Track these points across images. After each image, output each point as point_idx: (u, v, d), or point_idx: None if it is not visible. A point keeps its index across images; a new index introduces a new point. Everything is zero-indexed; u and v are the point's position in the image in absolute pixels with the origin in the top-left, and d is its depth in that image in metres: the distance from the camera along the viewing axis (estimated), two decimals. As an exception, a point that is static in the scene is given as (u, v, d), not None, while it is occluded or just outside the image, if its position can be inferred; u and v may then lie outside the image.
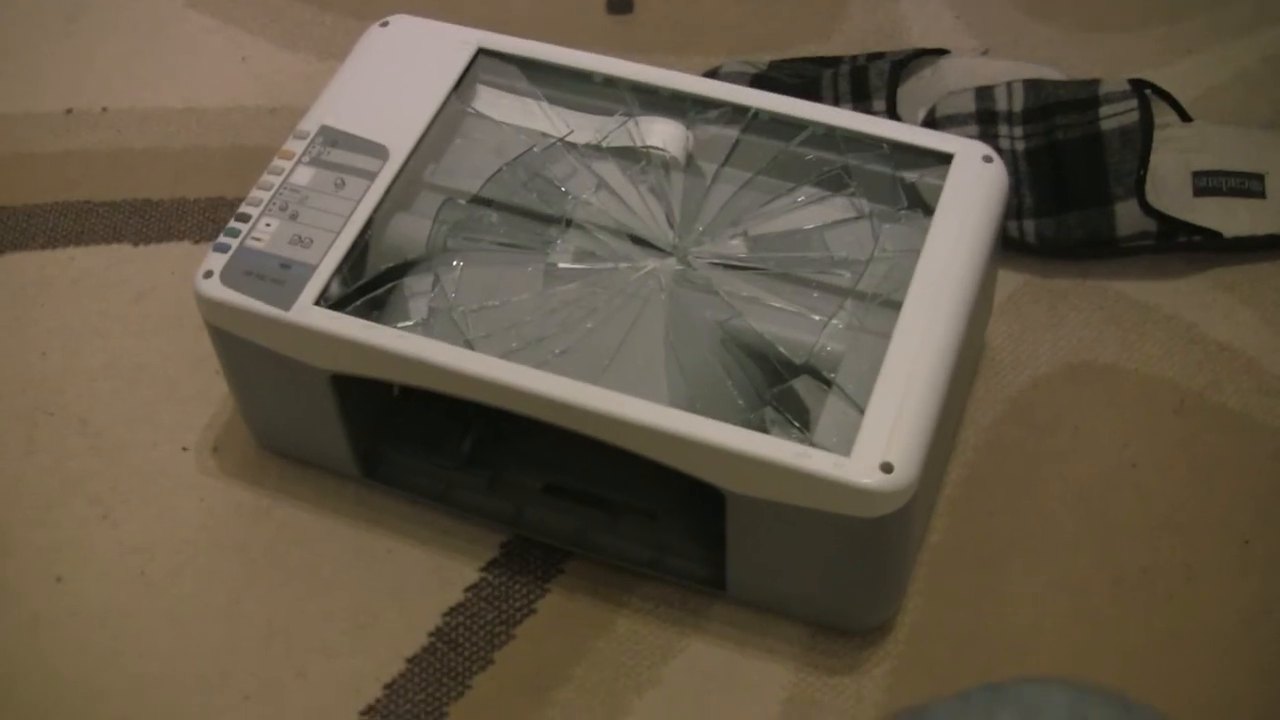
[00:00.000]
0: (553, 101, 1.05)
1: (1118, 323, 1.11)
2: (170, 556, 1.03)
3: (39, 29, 1.37)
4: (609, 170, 1.02)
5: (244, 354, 0.97)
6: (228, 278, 0.95)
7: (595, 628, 0.98)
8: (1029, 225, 1.12)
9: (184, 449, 1.08)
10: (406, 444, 1.04)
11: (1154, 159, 1.11)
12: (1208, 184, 1.13)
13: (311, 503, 1.04)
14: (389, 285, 0.97)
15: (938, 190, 0.97)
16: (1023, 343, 1.10)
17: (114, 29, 1.36)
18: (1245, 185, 1.13)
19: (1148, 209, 1.09)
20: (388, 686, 0.96)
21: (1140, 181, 1.09)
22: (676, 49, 1.30)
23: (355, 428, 1.00)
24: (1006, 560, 1.00)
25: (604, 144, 1.02)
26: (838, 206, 0.99)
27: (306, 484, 1.05)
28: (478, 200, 1.00)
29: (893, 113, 1.15)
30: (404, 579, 1.01)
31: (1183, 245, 1.12)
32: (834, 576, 0.93)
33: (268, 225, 0.97)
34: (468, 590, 1.00)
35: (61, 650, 0.99)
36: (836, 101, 1.16)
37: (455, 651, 0.98)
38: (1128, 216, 1.09)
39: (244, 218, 0.98)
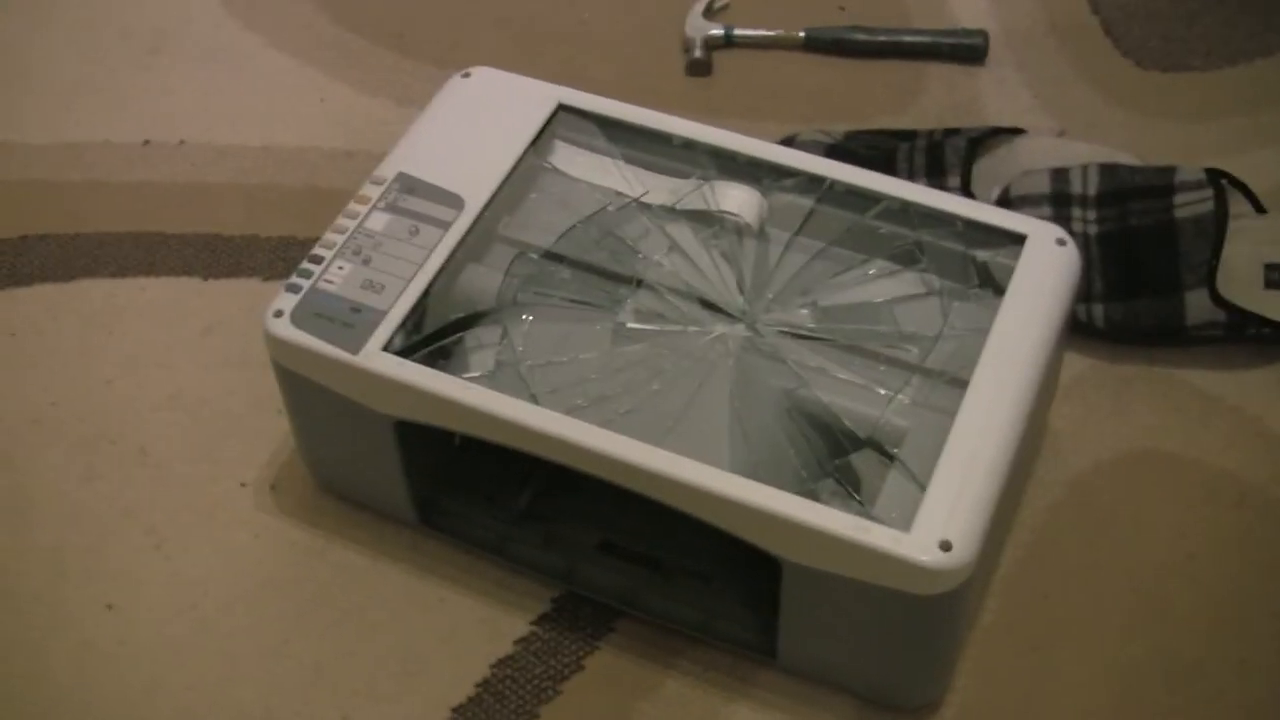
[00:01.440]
0: (629, 161, 1.06)
1: (1183, 412, 1.10)
2: (222, 591, 1.03)
3: (121, 60, 1.39)
4: (682, 233, 1.02)
5: (309, 395, 0.98)
6: (298, 318, 0.96)
7: (643, 689, 0.98)
8: (1098, 309, 1.11)
9: (242, 484, 1.08)
10: (464, 494, 1.04)
11: (1226, 249, 1.11)
12: (1279, 277, 1.12)
13: (366, 546, 1.05)
14: (457, 335, 0.97)
15: (1009, 270, 0.97)
16: (1086, 427, 1.09)
17: (194, 63, 1.38)
18: (1318, 281, 1.12)
19: (1218, 299, 1.09)
20: (432, 735, 0.97)
21: (1211, 271, 1.08)
22: (752, 114, 1.31)
23: (415, 475, 1.01)
24: (1058, 645, 0.99)
25: (678, 206, 1.03)
26: (908, 281, 0.99)
27: (362, 527, 1.05)
28: (550, 256, 1.01)
29: (967, 190, 1.15)
30: (454, 628, 1.01)
31: (1252, 337, 1.11)
32: (886, 651, 0.92)
33: (340, 268, 0.98)
34: (517, 643, 1.00)
35: (108, 679, 0.99)
36: (911, 176, 1.16)
37: (501, 704, 0.97)
38: (1197, 306, 1.09)
39: (317, 259, 0.98)
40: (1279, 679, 0.97)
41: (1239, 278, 1.12)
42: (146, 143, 1.31)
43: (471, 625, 1.01)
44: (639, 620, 1.01)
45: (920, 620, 0.89)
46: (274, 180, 1.28)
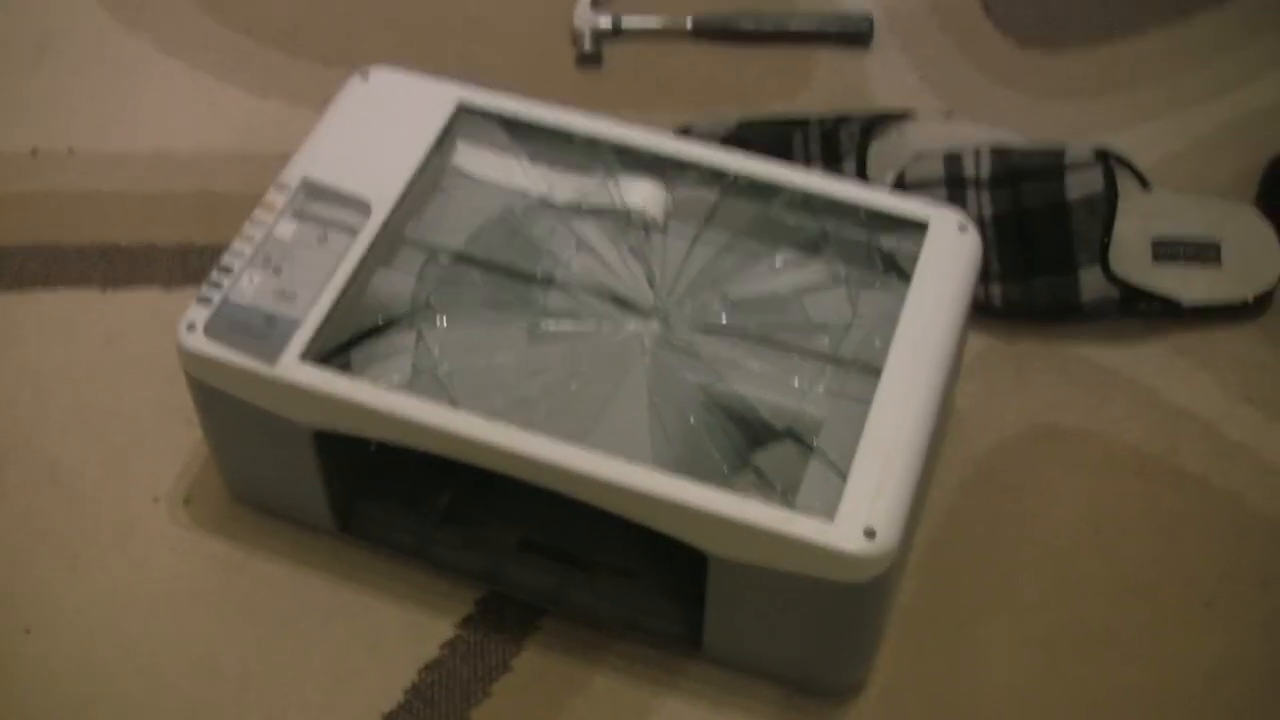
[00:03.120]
0: (532, 159, 1.06)
1: (1081, 386, 1.13)
2: (143, 608, 1.02)
3: (4, 67, 1.36)
4: (589, 230, 1.03)
5: (224, 407, 0.97)
6: (212, 330, 0.95)
7: (572, 686, 0.99)
8: (995, 289, 1.14)
9: (155, 499, 1.07)
10: (382, 499, 1.04)
11: (1116, 226, 1.14)
12: (1167, 251, 1.15)
13: (287, 556, 1.04)
14: (372, 342, 0.97)
15: (913, 257, 0.99)
16: (989, 405, 1.12)
17: (81, 70, 1.35)
18: (1203, 253, 1.16)
19: (1111, 276, 1.12)
20: (364, 743, 0.97)
21: (1104, 249, 1.11)
22: (645, 104, 1.32)
23: (334, 484, 1.00)
24: (975, 620, 1.02)
25: (584, 204, 1.04)
26: (815, 271, 1.01)
27: (281, 538, 1.05)
28: (460, 258, 1.01)
29: (862, 175, 1.17)
30: (380, 634, 1.01)
31: (1143, 312, 1.14)
32: (812, 638, 0.94)
33: (251, 278, 0.97)
34: (443, 646, 1.01)
35: (32, 702, 0.98)
36: (808, 163, 1.18)
37: (431, 709, 0.98)
38: (1091, 283, 1.12)
39: (226, 269, 0.97)
40: (1188, 643, 1.01)
41: (1128, 253, 1.15)
42: (34, 152, 1.28)
43: (397, 631, 1.01)
44: (563, 618, 1.02)
45: (846, 607, 0.90)
46: (168, 187, 1.26)
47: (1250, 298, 1.15)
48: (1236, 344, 1.16)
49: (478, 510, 1.04)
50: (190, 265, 1.20)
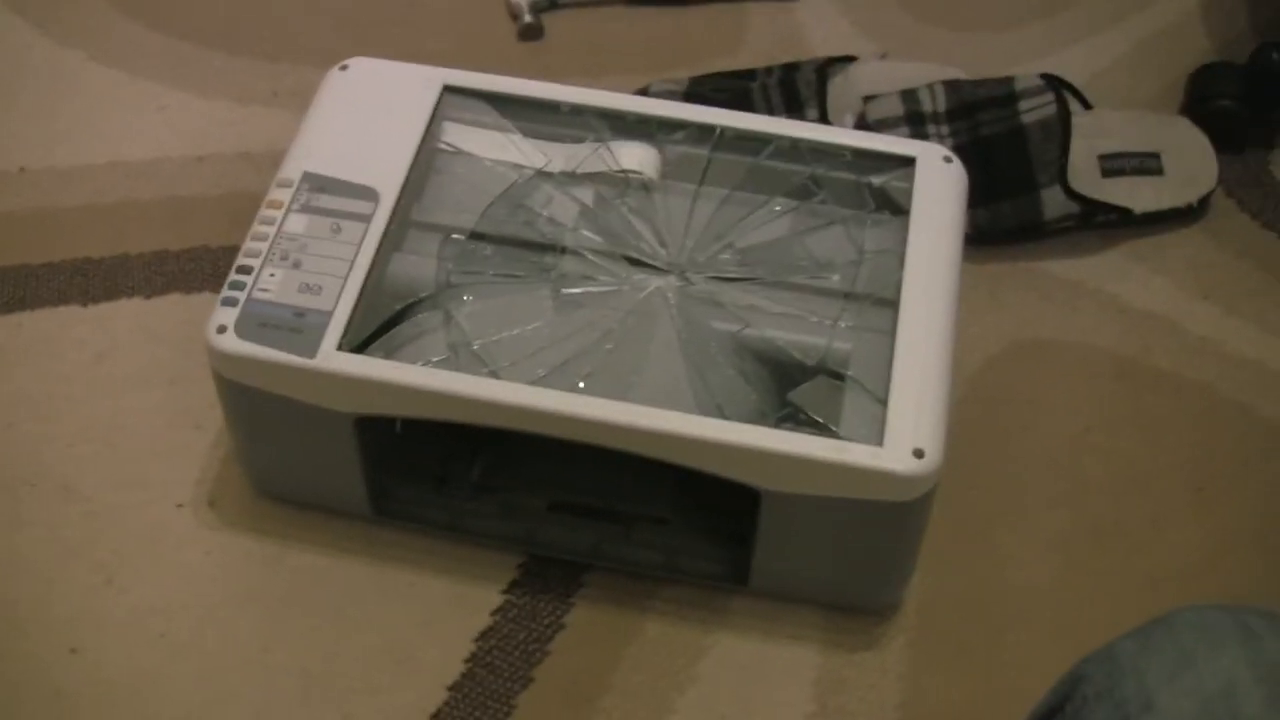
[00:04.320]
0: (524, 133, 1.08)
1: (1051, 300, 1.20)
2: (188, 615, 1.02)
3: (-66, 92, 1.33)
4: (590, 196, 1.05)
5: (258, 404, 0.98)
6: (242, 330, 0.95)
7: (626, 635, 1.02)
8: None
9: (179, 505, 1.07)
10: (411, 479, 1.06)
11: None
12: (1113, 165, 1.22)
13: (323, 545, 1.05)
14: (401, 325, 0.99)
15: (904, 192, 1.04)
16: (970, 327, 1.17)
17: (17, 87, 1.33)
18: (1146, 164, 1.23)
19: (1070, 193, 1.18)
20: (434, 717, 0.98)
21: (1062, 169, 1.18)
22: (593, 72, 1.34)
23: (370, 468, 1.02)
24: (993, 528, 1.08)
25: (579, 171, 1.06)
26: (812, 214, 1.05)
27: (313, 528, 1.06)
28: (474, 235, 1.03)
29: (824, 119, 1.22)
30: (430, 610, 1.03)
31: (1099, 223, 1.21)
32: (860, 560, 0.99)
33: (272, 275, 0.98)
34: (494, 614, 1.03)
35: (92, 721, 0.98)
36: (771, 112, 1.22)
37: (494, 674, 1.00)
38: (1053, 201, 1.18)
39: (246, 269, 0.98)
40: (1186, 528, 1.08)
41: (1078, 171, 1.22)
42: (-17, 175, 1.26)
43: (446, 605, 1.03)
44: (606, 571, 1.05)
45: (894, 526, 0.95)
46: (130, 196, 1.25)
47: (1194, 201, 1.22)
48: (1186, 246, 1.23)
49: (504, 479, 1.06)
50: (169, 271, 1.19)
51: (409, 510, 1.06)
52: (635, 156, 1.06)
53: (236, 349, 0.95)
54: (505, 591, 1.04)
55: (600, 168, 1.06)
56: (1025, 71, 1.23)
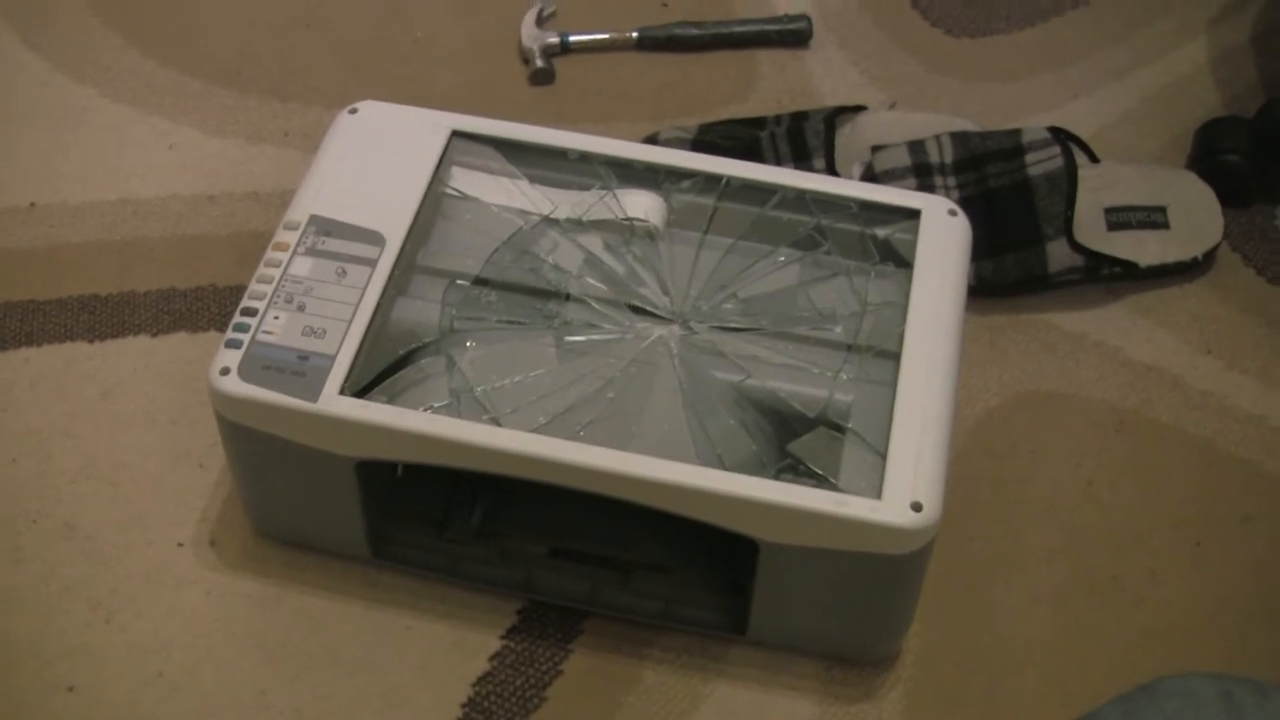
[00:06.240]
0: (530, 179, 1.09)
1: (1053, 352, 1.20)
2: (185, 655, 1.03)
3: (-53, 127, 1.34)
4: (595, 243, 1.06)
5: (260, 447, 0.98)
6: (246, 373, 0.96)
7: (623, 683, 1.02)
8: (969, 268, 1.20)
9: (179, 545, 1.08)
10: (410, 523, 1.06)
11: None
12: (1119, 219, 1.23)
13: (321, 588, 1.06)
14: (403, 370, 0.99)
15: (909, 244, 1.04)
16: (972, 378, 1.18)
17: (28, 123, 1.34)
18: (1151, 218, 1.23)
19: (1075, 246, 1.18)
20: (430, 761, 0.99)
21: (1068, 221, 1.18)
22: (603, 117, 1.35)
23: (370, 511, 1.02)
24: (990, 580, 1.08)
25: (585, 218, 1.07)
26: (816, 264, 1.06)
27: (312, 570, 1.06)
28: (477, 281, 1.03)
29: (832, 169, 1.22)
30: (427, 654, 1.03)
31: (1104, 277, 1.21)
32: (857, 612, 0.99)
33: (276, 318, 0.98)
34: (492, 659, 1.03)
35: (90, 760, 0.98)
36: (779, 162, 1.23)
37: (491, 720, 1.00)
38: (1058, 254, 1.19)
39: (251, 311, 0.99)
40: (1184, 582, 1.08)
41: (1084, 224, 1.22)
42: (-7, 210, 1.27)
43: (443, 649, 1.03)
44: (605, 619, 1.05)
45: (892, 578, 0.95)
46: (139, 233, 1.26)
47: (1199, 255, 1.23)
48: (1190, 300, 1.23)
49: (504, 525, 1.06)
50: (175, 309, 1.20)
51: (409, 554, 1.06)
52: (641, 204, 1.07)
53: (239, 391, 0.96)
54: (503, 637, 1.04)
55: (606, 215, 1.07)
56: (1034, 123, 1.23)
